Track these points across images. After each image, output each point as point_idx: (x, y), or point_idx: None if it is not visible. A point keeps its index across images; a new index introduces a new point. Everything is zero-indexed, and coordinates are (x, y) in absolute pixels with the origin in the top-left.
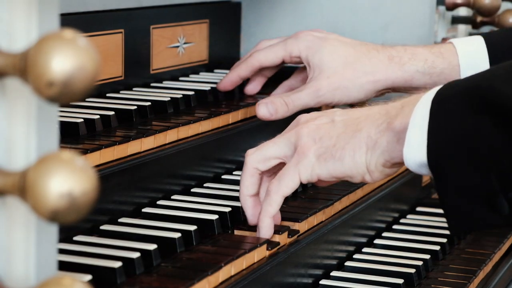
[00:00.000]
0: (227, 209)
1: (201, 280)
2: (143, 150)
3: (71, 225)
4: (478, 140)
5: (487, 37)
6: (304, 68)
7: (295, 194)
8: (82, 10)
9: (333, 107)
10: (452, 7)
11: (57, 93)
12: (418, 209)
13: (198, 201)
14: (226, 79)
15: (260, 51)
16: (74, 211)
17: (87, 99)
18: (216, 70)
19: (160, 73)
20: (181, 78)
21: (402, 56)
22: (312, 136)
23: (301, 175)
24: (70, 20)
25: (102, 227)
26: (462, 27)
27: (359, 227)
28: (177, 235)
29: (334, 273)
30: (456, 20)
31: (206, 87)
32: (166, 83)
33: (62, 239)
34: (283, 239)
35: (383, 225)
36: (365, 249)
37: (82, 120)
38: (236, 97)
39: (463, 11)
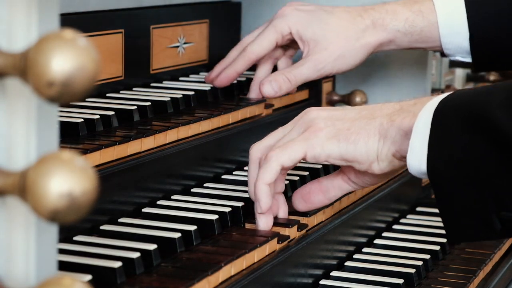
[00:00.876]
0: (227, 209)
1: (201, 280)
2: (143, 150)
3: (71, 225)
4: (473, 161)
5: None
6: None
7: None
8: (82, 10)
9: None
10: None
11: (57, 93)
12: (418, 209)
13: (198, 201)
14: (223, 75)
15: (253, 43)
16: (74, 211)
17: (87, 99)
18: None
19: (160, 73)
20: (181, 78)
21: (384, 17)
22: (325, 120)
23: (308, 151)
24: (70, 20)
25: (102, 227)
26: None
27: (359, 227)
28: (177, 235)
29: (334, 273)
30: None
31: (206, 87)
32: (166, 83)
33: (62, 239)
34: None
35: (383, 225)
36: (365, 249)
37: (82, 120)
38: (236, 97)
39: None
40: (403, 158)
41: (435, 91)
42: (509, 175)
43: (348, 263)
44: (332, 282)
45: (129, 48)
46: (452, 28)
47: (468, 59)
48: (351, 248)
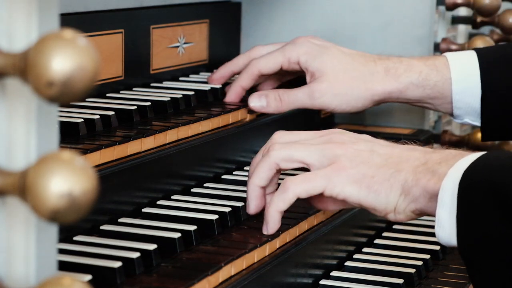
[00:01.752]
0: (227, 209)
1: (201, 280)
2: (143, 150)
3: (71, 225)
4: (506, 243)
5: (479, 52)
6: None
7: None
8: (82, 10)
9: (332, 114)
10: (452, 7)
11: (57, 93)
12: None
13: (198, 201)
14: (231, 92)
15: (259, 59)
16: (74, 211)
17: (87, 99)
18: (215, 71)
19: (160, 73)
20: (181, 78)
21: (398, 67)
22: (350, 159)
23: (327, 189)
24: (70, 20)
25: (102, 227)
26: (462, 27)
27: (359, 227)
28: (177, 235)
29: (334, 273)
30: (456, 20)
31: (206, 87)
32: (166, 83)
33: (62, 239)
34: (282, 239)
35: (383, 225)
36: (365, 249)
37: (82, 120)
38: None
39: (463, 11)
40: (421, 214)
41: None
42: None
43: (348, 263)
44: (332, 282)
45: (129, 48)
46: (465, 84)
47: (477, 123)
48: (351, 248)
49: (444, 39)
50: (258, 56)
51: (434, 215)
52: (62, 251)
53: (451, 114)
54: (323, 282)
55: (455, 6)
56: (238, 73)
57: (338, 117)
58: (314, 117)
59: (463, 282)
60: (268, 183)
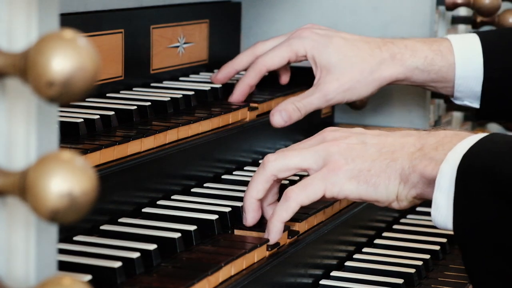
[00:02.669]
0: (227, 209)
1: (201, 280)
2: (143, 150)
3: (71, 225)
4: (503, 229)
5: (482, 36)
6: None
7: None
8: (82, 10)
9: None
10: (452, 7)
11: (57, 93)
12: (418, 209)
13: (198, 201)
14: (237, 91)
15: (265, 56)
16: (74, 211)
17: (87, 99)
18: (216, 70)
19: (160, 73)
20: (181, 78)
21: (403, 52)
22: (344, 156)
23: (327, 190)
24: (70, 20)
25: (102, 227)
26: (462, 27)
27: (359, 227)
28: (177, 235)
29: (334, 273)
30: (456, 20)
31: (206, 87)
32: (166, 83)
33: (62, 239)
34: (283, 239)
35: (383, 225)
36: (365, 249)
37: (82, 120)
38: None
39: (463, 11)
40: (423, 199)
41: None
42: None
43: (348, 263)
44: (332, 282)
45: (129, 48)
46: (468, 69)
47: (476, 105)
48: (351, 248)
49: None
50: (262, 53)
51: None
52: (62, 251)
53: (452, 96)
54: (323, 282)
55: (455, 6)
56: (242, 71)
57: (338, 117)
58: (314, 117)
59: (463, 282)
60: (265, 195)
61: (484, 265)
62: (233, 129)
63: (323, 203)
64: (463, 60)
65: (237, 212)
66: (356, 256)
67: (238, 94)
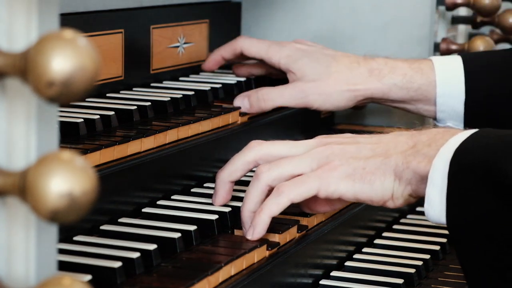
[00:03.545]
0: (227, 209)
1: (201, 280)
2: (143, 150)
3: (71, 225)
4: (496, 224)
5: (464, 57)
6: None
7: None
8: (82, 10)
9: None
10: (452, 7)
11: (57, 93)
12: (418, 209)
13: (198, 201)
14: (210, 58)
15: (246, 38)
16: (74, 211)
17: (87, 99)
18: (216, 70)
19: (160, 73)
20: (181, 78)
21: (382, 69)
22: (339, 158)
23: (321, 189)
24: (70, 20)
25: (102, 227)
26: (462, 27)
27: (359, 227)
28: (177, 235)
29: (334, 273)
30: (456, 20)
31: (206, 87)
32: (166, 83)
33: (62, 239)
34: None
35: (383, 225)
36: (365, 249)
37: (82, 120)
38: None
39: (463, 11)
40: (418, 197)
41: None
42: None
43: (348, 263)
44: (332, 282)
45: (129, 48)
46: (449, 87)
47: (460, 127)
48: (351, 248)
49: (444, 39)
50: (244, 40)
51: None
52: (62, 251)
53: (434, 118)
54: (323, 282)
55: (455, 6)
56: (228, 59)
57: (338, 117)
58: (314, 117)
59: (463, 282)
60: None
61: (478, 259)
62: (233, 129)
63: None
64: (444, 78)
65: (237, 212)
66: (356, 256)
67: (210, 61)
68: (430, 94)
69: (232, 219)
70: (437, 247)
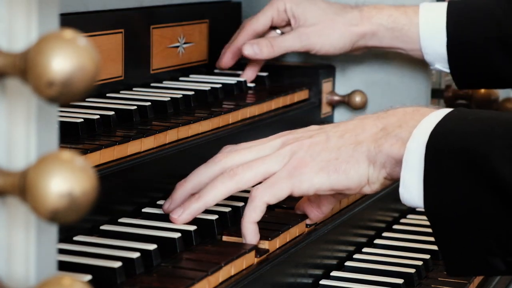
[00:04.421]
0: (227, 209)
1: (201, 280)
2: (143, 150)
3: (71, 225)
4: (475, 207)
5: (450, 2)
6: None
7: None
8: (82, 10)
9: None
10: None
11: (57, 93)
12: (418, 209)
13: None
14: (228, 54)
15: (251, 19)
16: (74, 211)
17: (87, 99)
18: (216, 70)
19: (160, 73)
20: (181, 78)
21: (370, 11)
22: (310, 153)
23: (295, 188)
24: (70, 20)
25: (102, 227)
26: None
27: (359, 227)
28: (177, 235)
29: (334, 273)
30: None
31: (206, 87)
32: (166, 83)
33: (62, 239)
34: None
35: (383, 225)
36: (365, 249)
37: (82, 120)
38: (236, 97)
39: None
40: (393, 179)
41: (435, 91)
42: None
43: (348, 263)
44: (332, 282)
45: (129, 48)
46: (432, 30)
47: (447, 69)
48: (351, 248)
49: None
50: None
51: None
52: (62, 251)
53: (423, 60)
54: (323, 282)
55: None
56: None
57: (338, 117)
58: (314, 117)
59: (463, 282)
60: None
61: (455, 241)
62: (233, 129)
63: None
64: (427, 20)
65: (237, 212)
66: (356, 256)
67: (228, 56)
68: (414, 36)
69: (232, 219)
70: (437, 247)
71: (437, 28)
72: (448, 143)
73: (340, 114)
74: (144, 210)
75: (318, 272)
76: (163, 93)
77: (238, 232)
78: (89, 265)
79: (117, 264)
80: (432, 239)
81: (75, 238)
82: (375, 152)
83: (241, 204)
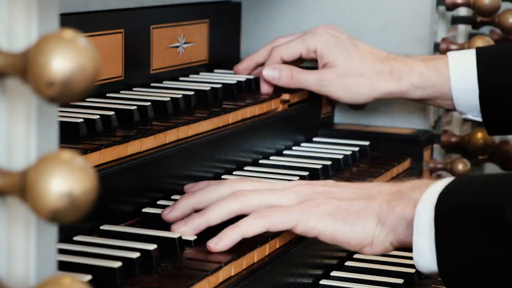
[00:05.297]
0: None
1: (201, 280)
2: (143, 150)
3: (71, 225)
4: (491, 267)
5: (479, 50)
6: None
7: None
8: (82, 10)
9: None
10: (452, 7)
11: (57, 93)
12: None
13: None
14: (244, 64)
15: (280, 46)
16: (74, 211)
17: (87, 99)
18: (216, 70)
19: (160, 73)
20: (181, 78)
21: (401, 70)
22: (323, 196)
23: (300, 223)
24: (70, 20)
25: (102, 227)
26: (462, 27)
27: None
28: (177, 235)
29: (334, 273)
30: (456, 20)
31: (206, 87)
32: (166, 83)
33: (62, 239)
34: (283, 239)
35: None
36: None
37: (82, 120)
38: (236, 97)
39: (463, 11)
40: (400, 245)
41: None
42: None
43: (348, 263)
44: (332, 282)
45: (129, 48)
46: (463, 83)
47: (479, 119)
48: None
49: (444, 39)
50: (280, 43)
51: (410, 245)
52: (62, 251)
53: (455, 110)
54: (323, 282)
55: (455, 6)
56: (262, 64)
57: (338, 117)
58: (314, 117)
59: None
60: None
61: None
62: (233, 129)
63: None
64: (458, 74)
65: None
66: (356, 256)
67: (246, 70)
68: (446, 90)
69: (232, 219)
70: None
71: (468, 81)
72: (458, 202)
73: (340, 114)
74: (144, 210)
75: (318, 272)
76: (163, 93)
77: None
78: (89, 265)
79: (117, 264)
80: None
81: (75, 238)
82: (387, 213)
83: None
